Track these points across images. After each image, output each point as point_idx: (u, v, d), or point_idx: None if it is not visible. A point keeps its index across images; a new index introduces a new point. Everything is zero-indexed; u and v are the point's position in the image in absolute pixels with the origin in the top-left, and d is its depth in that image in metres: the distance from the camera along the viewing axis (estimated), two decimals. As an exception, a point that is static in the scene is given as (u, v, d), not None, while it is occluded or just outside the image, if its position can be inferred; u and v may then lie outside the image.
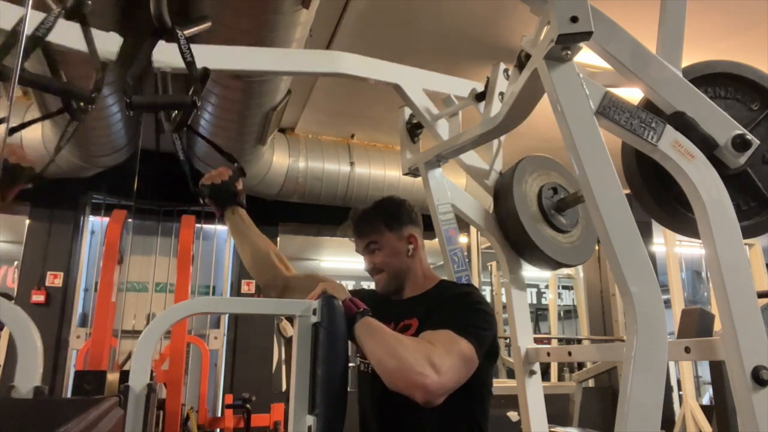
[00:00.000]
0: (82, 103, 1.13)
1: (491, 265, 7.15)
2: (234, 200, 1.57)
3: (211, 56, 1.45)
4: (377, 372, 1.17)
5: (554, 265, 1.72)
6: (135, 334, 4.56)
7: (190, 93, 1.16)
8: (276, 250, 1.62)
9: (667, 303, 2.96)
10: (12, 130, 1.14)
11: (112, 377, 2.96)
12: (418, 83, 1.77)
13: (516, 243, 1.72)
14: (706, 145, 1.20)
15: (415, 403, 1.12)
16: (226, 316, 5.07)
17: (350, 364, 1.25)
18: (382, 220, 1.49)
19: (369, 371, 1.41)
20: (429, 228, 1.65)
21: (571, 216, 1.76)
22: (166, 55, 1.28)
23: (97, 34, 1.17)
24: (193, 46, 1.18)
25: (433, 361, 1.11)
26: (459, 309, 1.31)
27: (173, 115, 1.31)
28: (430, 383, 1.09)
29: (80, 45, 1.14)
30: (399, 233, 1.48)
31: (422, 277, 1.49)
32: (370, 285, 1.60)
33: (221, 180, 1.54)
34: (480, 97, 1.76)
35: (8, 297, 4.80)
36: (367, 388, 1.43)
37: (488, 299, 7.46)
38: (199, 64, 1.18)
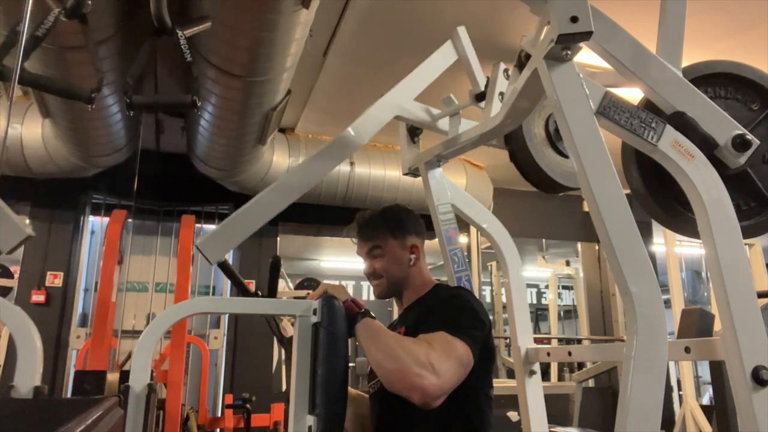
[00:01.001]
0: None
1: (491, 265, 7.15)
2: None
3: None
4: (375, 373, 1.18)
5: (557, 187, 1.72)
6: (135, 334, 4.56)
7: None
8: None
9: (667, 303, 2.96)
10: None
11: (112, 377, 2.96)
12: (408, 96, 1.76)
13: (522, 166, 1.71)
14: (706, 145, 1.20)
15: (411, 404, 1.12)
16: (226, 316, 5.07)
17: (350, 364, 1.25)
18: (387, 227, 1.50)
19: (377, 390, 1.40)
20: (429, 228, 1.65)
21: None
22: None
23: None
24: None
25: (432, 363, 1.11)
26: (450, 311, 1.32)
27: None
28: (428, 385, 1.09)
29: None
30: (402, 242, 1.50)
31: (421, 285, 1.51)
32: (370, 285, 1.60)
33: None
34: (480, 97, 1.76)
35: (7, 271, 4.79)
36: (374, 405, 1.43)
37: (488, 299, 7.50)
38: None
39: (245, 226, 1.45)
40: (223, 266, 1.40)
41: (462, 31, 1.87)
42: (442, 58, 1.84)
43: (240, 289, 1.41)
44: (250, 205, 1.47)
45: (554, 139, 1.71)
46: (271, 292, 1.37)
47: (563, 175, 1.70)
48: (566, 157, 1.72)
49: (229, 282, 5.73)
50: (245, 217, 1.46)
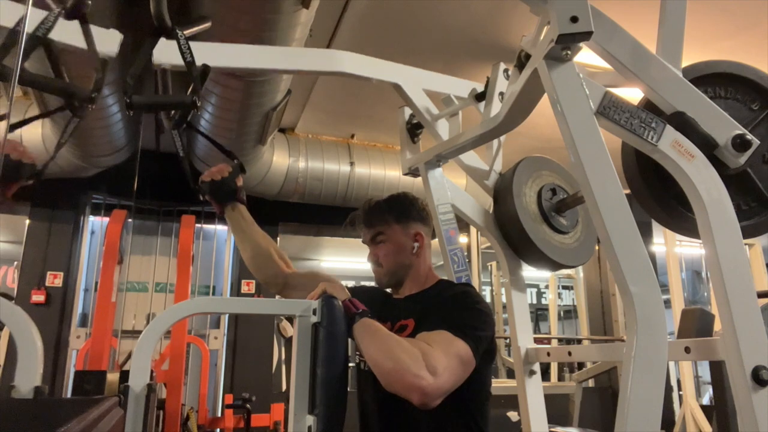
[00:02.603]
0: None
1: (491, 265, 7.15)
2: (234, 197, 1.57)
3: (211, 54, 1.45)
4: (375, 373, 1.17)
5: (554, 266, 1.72)
6: (135, 334, 4.56)
7: (190, 92, 1.16)
8: (276, 247, 1.62)
9: (667, 303, 2.96)
10: (13, 127, 1.14)
11: (112, 377, 2.96)
12: (419, 83, 1.77)
13: (516, 244, 1.71)
14: (706, 145, 1.20)
15: (411, 404, 1.12)
16: (226, 316, 5.07)
17: (350, 364, 1.25)
18: (391, 213, 1.50)
19: (368, 369, 1.41)
20: (430, 227, 1.65)
21: (571, 217, 1.76)
22: (166, 53, 1.28)
23: (97, 31, 1.17)
24: (193, 44, 1.18)
25: (430, 364, 1.11)
26: (456, 309, 1.31)
27: (173, 112, 1.30)
28: (426, 385, 1.09)
29: (80, 43, 1.14)
30: (406, 229, 1.49)
31: (424, 276, 1.49)
32: (370, 284, 1.60)
33: (221, 176, 1.54)
34: (480, 97, 1.76)
35: (8, 297, 4.80)
36: (367, 387, 1.43)
37: (488, 299, 7.50)
38: (200, 62, 1.18)
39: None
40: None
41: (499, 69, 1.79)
42: (462, 86, 1.86)
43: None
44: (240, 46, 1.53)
45: (548, 214, 1.70)
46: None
47: (560, 253, 1.69)
48: (562, 233, 1.72)
49: (229, 282, 5.72)
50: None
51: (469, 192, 1.84)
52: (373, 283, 1.58)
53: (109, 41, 1.33)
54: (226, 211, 1.58)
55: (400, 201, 1.54)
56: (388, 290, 1.55)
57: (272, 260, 1.58)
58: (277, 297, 1.64)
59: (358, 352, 1.42)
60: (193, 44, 1.18)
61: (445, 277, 1.66)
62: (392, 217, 1.49)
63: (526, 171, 1.74)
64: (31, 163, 1.30)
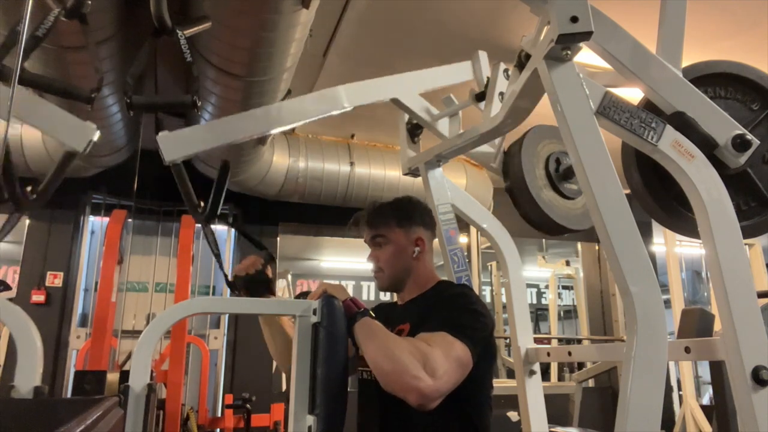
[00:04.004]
0: (28, 189, 1.11)
1: (491, 265, 7.15)
2: (267, 288, 1.53)
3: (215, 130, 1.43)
4: (373, 373, 1.17)
5: (559, 229, 1.71)
6: (135, 334, 4.56)
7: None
8: None
9: (667, 303, 2.96)
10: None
11: (112, 377, 2.96)
12: (414, 89, 1.76)
13: (523, 208, 1.71)
14: (706, 145, 1.20)
15: (409, 406, 1.12)
16: (226, 316, 5.07)
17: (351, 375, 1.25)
18: (395, 216, 1.50)
19: (370, 378, 1.41)
20: (429, 228, 1.65)
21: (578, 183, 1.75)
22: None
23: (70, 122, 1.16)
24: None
25: (429, 365, 1.11)
26: (454, 310, 1.31)
27: (201, 205, 1.29)
28: (424, 387, 1.09)
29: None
30: (408, 233, 1.49)
31: (425, 280, 1.49)
32: (370, 285, 1.60)
33: (255, 270, 1.52)
34: (480, 97, 1.76)
35: (6, 286, 4.81)
36: (371, 396, 1.42)
37: (488, 299, 7.51)
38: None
39: (215, 134, 1.41)
40: (176, 169, 1.30)
41: (483, 56, 1.85)
42: (458, 72, 1.85)
43: (187, 200, 1.37)
44: (229, 119, 1.42)
45: (555, 180, 1.69)
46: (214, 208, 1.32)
47: (566, 217, 1.69)
48: (569, 198, 1.71)
49: (229, 282, 5.72)
50: (219, 125, 1.42)
51: (469, 192, 1.84)
52: (372, 285, 1.58)
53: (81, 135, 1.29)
54: None
55: (405, 205, 1.54)
56: (395, 297, 1.56)
57: None
58: (280, 296, 1.64)
59: (360, 368, 1.42)
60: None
61: (445, 278, 1.66)
62: (395, 220, 1.50)
63: (536, 138, 1.72)
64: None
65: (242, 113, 1.45)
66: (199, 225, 1.45)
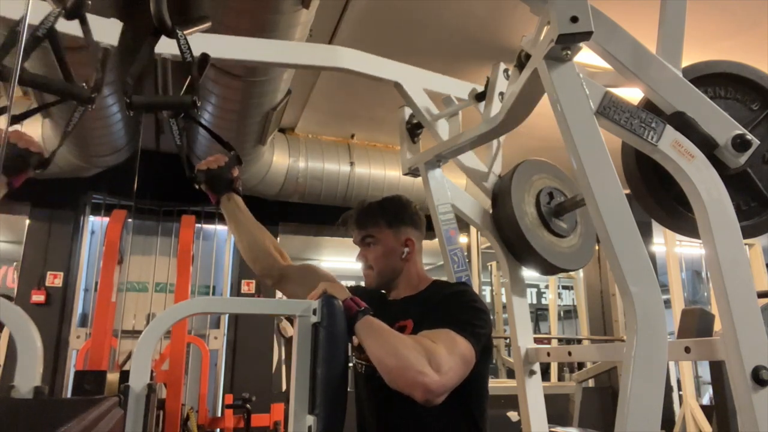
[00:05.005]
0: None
1: (491, 265, 7.15)
2: (230, 187, 1.57)
3: (211, 45, 1.45)
4: (378, 370, 1.17)
5: (554, 270, 1.72)
6: (135, 334, 4.56)
7: (187, 89, 1.17)
8: (272, 239, 1.63)
9: (667, 303, 2.96)
10: (15, 118, 1.14)
11: (112, 377, 2.96)
12: (419, 82, 1.77)
13: (515, 248, 1.71)
14: (706, 145, 1.20)
15: (413, 402, 1.12)
16: (226, 316, 5.07)
17: (350, 364, 1.25)
18: (384, 216, 1.49)
19: (364, 372, 1.42)
20: (429, 228, 1.65)
21: (570, 220, 1.75)
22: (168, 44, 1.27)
23: (96, 21, 1.17)
24: (195, 36, 1.18)
25: (434, 361, 1.11)
26: (456, 307, 1.31)
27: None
28: (430, 382, 1.09)
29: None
30: (397, 234, 1.48)
31: (416, 280, 1.49)
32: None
33: (217, 166, 1.54)
34: (480, 97, 1.76)
35: (8, 298, 4.80)
36: (364, 388, 1.43)
37: (488, 299, 7.51)
38: (200, 52, 1.18)
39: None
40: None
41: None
42: (463, 87, 1.87)
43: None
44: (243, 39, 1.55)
45: (546, 218, 1.69)
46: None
47: (560, 257, 1.69)
48: (561, 237, 1.71)
49: (229, 282, 5.72)
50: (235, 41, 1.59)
51: (469, 192, 1.84)
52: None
53: (109, 31, 1.33)
54: (221, 201, 1.58)
55: (394, 205, 1.53)
56: (383, 291, 1.55)
57: (268, 252, 1.58)
58: (280, 296, 1.64)
59: (353, 354, 1.42)
60: (194, 36, 1.18)
61: (444, 278, 1.66)
62: (384, 221, 1.49)
63: (525, 174, 1.74)
64: (38, 153, 1.30)
65: (256, 39, 1.55)
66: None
